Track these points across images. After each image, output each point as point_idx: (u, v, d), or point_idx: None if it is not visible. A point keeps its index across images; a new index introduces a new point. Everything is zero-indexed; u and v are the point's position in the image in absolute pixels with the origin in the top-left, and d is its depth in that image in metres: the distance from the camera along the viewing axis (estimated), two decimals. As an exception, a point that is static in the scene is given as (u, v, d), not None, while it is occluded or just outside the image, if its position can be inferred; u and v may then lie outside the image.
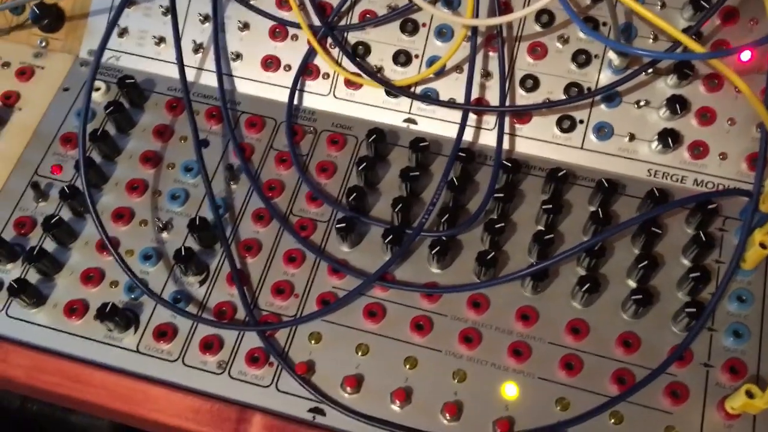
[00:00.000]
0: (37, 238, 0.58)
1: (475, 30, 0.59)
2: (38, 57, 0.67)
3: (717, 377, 0.51)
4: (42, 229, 0.57)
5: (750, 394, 0.46)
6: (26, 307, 0.55)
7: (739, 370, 0.50)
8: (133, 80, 0.61)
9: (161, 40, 0.65)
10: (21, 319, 0.55)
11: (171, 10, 0.62)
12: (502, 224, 0.54)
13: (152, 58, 0.65)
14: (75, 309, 0.55)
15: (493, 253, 0.53)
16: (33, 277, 0.56)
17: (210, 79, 0.63)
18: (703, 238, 0.52)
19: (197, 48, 0.64)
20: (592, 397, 0.50)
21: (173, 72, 0.63)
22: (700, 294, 0.53)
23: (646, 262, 0.52)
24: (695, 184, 0.57)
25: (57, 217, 0.56)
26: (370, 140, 0.58)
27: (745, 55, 0.55)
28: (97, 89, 0.63)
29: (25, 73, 0.65)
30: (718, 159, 0.57)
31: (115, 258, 0.54)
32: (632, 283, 0.54)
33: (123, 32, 0.65)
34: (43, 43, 0.67)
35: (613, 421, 0.50)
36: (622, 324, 0.52)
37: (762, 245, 0.50)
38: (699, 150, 0.57)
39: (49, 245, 0.57)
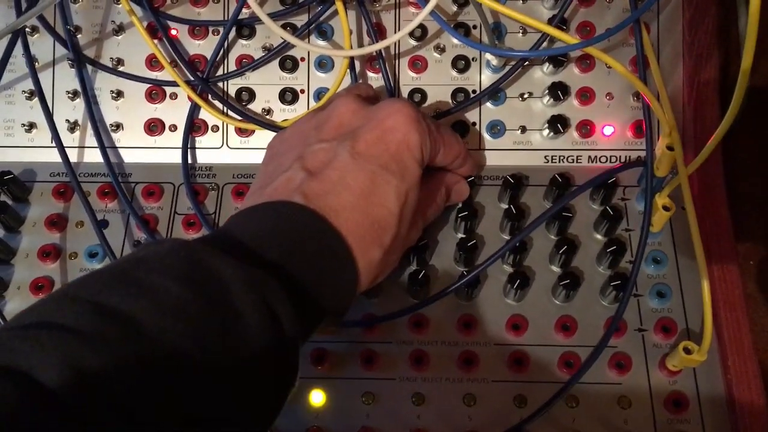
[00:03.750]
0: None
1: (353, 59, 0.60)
2: None
3: (652, 339, 0.53)
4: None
5: (687, 351, 0.49)
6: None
7: (670, 328, 0.53)
8: (11, 174, 0.57)
9: (31, 125, 0.61)
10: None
11: (37, 93, 0.59)
12: (425, 241, 0.54)
13: (26, 147, 0.61)
14: None
15: (423, 272, 0.53)
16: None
17: (94, 156, 0.60)
18: (611, 212, 0.55)
19: (72, 126, 0.61)
20: (546, 387, 0.52)
21: (52, 156, 0.59)
22: (620, 265, 0.55)
23: (565, 247, 0.54)
24: (590, 161, 0.60)
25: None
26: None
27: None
28: (-27, 191, 0.59)
29: None
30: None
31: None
32: (556, 269, 0.56)
33: (-13, 125, 0.61)
34: None
35: (569, 405, 0.51)
36: (557, 310, 0.54)
37: (665, 208, 0.53)
38: (587, 128, 0.60)
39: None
